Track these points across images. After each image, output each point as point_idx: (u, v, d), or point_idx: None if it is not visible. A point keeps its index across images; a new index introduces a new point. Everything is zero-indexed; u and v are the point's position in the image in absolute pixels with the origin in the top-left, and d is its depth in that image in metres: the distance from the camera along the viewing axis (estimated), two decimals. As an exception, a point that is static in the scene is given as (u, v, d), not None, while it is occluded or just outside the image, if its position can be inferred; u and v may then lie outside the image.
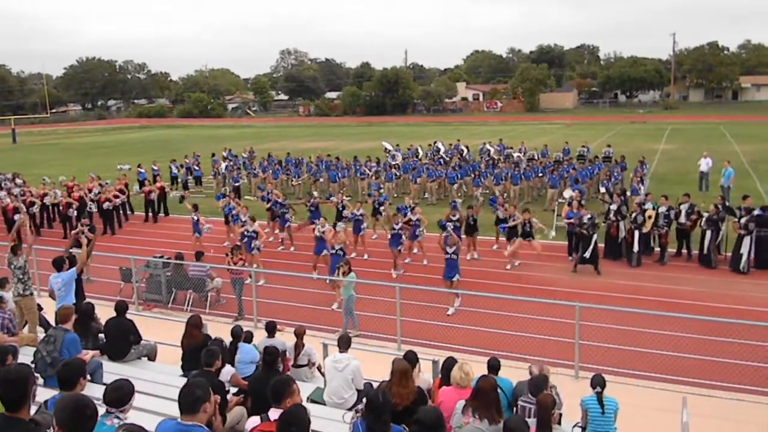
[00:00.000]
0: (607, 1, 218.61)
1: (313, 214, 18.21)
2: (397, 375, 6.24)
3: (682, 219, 16.54)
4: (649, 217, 16.36)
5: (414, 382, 6.32)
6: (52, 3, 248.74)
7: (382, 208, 18.92)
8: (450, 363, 6.87)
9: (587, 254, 15.85)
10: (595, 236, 15.95)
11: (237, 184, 26.79)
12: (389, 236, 16.48)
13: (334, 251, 14.25)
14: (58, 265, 10.56)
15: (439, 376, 7.45)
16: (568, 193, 18.60)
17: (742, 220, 15.56)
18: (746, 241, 15.40)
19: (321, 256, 15.47)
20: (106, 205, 21.89)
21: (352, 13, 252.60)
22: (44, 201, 22.61)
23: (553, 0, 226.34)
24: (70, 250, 16.21)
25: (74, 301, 9.60)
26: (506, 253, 16.51)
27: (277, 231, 19.53)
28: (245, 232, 15.91)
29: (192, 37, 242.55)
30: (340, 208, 18.72)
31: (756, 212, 15.69)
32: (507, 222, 16.85)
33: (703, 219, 16.10)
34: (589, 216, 16.08)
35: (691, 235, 16.71)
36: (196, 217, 18.10)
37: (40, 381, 7.02)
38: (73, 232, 17.37)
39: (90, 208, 21.77)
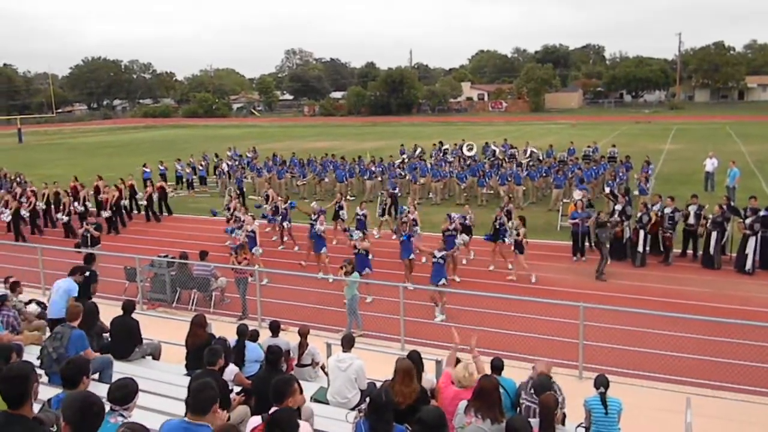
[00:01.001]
0: (611, 1, 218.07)
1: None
2: (400, 374, 6.24)
3: (691, 220, 16.48)
4: (649, 219, 16.30)
5: (417, 382, 6.32)
6: (53, 2, 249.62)
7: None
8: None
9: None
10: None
11: (241, 186, 26.61)
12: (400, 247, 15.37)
13: (356, 251, 14.38)
14: (73, 271, 10.28)
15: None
16: (578, 195, 18.35)
17: (748, 221, 15.50)
18: (751, 241, 15.34)
19: (321, 254, 15.71)
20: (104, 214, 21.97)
21: (357, 13, 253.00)
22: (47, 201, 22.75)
23: (557, 0, 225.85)
24: (80, 250, 16.33)
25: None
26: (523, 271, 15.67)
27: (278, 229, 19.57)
28: (246, 232, 16.00)
29: (196, 37, 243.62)
30: (337, 209, 18.74)
31: (761, 213, 15.63)
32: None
33: (709, 221, 16.04)
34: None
35: (698, 235, 16.66)
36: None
37: (44, 379, 7.05)
38: (79, 230, 17.44)
39: (85, 208, 21.79)
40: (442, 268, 13.46)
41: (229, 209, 19.40)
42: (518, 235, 15.34)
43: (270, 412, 5.05)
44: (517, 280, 15.43)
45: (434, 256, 13.51)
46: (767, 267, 15.50)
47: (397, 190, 22.74)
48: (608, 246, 15.75)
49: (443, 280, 13.40)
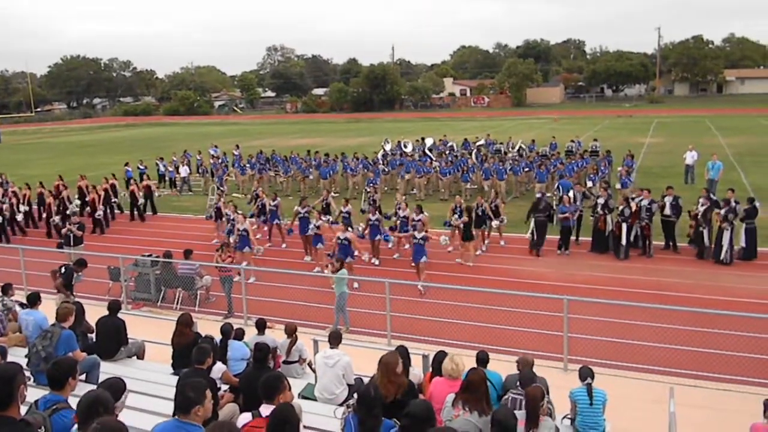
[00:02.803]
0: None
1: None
2: (381, 368, 6.29)
3: (668, 211, 16.68)
4: (631, 212, 16.46)
5: (399, 375, 6.34)
6: (30, 0, 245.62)
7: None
8: (441, 357, 6.92)
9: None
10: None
11: (221, 184, 26.45)
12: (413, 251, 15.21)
13: (339, 240, 14.85)
14: (32, 301, 9.44)
15: (430, 369, 7.51)
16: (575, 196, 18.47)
17: (722, 212, 15.70)
18: (726, 233, 15.55)
19: (317, 248, 16.03)
20: (98, 213, 21.81)
21: (338, 9, 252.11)
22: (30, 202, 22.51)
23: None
24: (61, 250, 16.20)
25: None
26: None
27: (265, 228, 19.49)
28: (237, 231, 15.93)
29: (177, 35, 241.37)
30: (325, 205, 18.71)
31: (733, 204, 15.81)
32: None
33: (700, 213, 16.20)
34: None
35: (676, 227, 16.85)
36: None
37: (31, 382, 7.00)
38: (63, 230, 17.27)
39: (73, 209, 21.64)
40: (423, 247, 14.52)
41: (217, 209, 19.39)
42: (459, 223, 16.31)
43: (261, 408, 5.08)
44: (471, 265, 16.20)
45: (415, 237, 14.58)
46: (750, 258, 15.77)
47: (375, 185, 23.21)
48: (544, 228, 17.21)
49: (424, 258, 14.54)
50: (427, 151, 30.81)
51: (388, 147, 32.30)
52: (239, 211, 17.03)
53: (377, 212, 16.81)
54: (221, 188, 24.93)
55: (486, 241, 17.89)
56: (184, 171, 29.96)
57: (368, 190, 22.10)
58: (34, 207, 22.93)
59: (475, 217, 16.94)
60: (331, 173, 26.95)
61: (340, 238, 14.85)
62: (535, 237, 17.19)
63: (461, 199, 17.73)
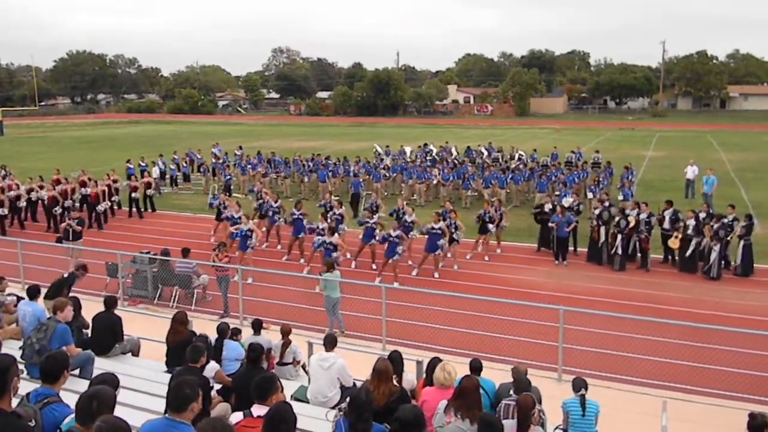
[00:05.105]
0: (597, 7, 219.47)
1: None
2: (375, 374, 6.30)
3: (667, 225, 16.69)
4: (627, 224, 16.49)
5: (390, 383, 6.34)
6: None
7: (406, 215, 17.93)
8: (435, 363, 6.91)
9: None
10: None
11: (229, 184, 26.56)
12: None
13: (326, 245, 14.83)
14: (32, 294, 9.36)
15: (424, 376, 7.50)
16: (567, 201, 18.58)
17: (715, 227, 15.71)
18: (715, 249, 15.55)
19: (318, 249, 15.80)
20: (100, 207, 21.85)
21: (344, 13, 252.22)
22: (30, 196, 22.49)
23: (544, 5, 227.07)
24: (61, 244, 16.21)
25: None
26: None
27: (264, 228, 19.47)
28: (239, 231, 15.88)
29: (183, 33, 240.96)
30: (328, 208, 18.66)
31: (725, 220, 15.84)
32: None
33: (690, 228, 16.21)
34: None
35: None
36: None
37: (24, 375, 7.00)
38: (62, 225, 17.27)
39: (74, 203, 21.66)
40: (439, 238, 15.53)
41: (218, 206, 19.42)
42: (456, 228, 16.64)
43: (253, 408, 5.09)
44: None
45: (433, 228, 15.49)
46: (746, 274, 15.77)
47: (360, 190, 23.69)
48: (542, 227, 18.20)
49: (439, 251, 15.68)
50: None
51: (380, 150, 32.46)
52: (243, 212, 17.01)
53: (374, 216, 16.85)
54: (230, 189, 24.95)
55: (479, 248, 17.86)
56: (156, 171, 29.13)
57: (371, 194, 22.12)
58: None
59: (480, 223, 17.58)
60: (329, 176, 26.91)
61: (326, 241, 14.82)
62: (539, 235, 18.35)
63: (450, 205, 17.92)
